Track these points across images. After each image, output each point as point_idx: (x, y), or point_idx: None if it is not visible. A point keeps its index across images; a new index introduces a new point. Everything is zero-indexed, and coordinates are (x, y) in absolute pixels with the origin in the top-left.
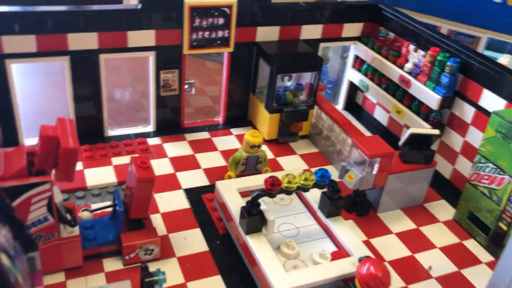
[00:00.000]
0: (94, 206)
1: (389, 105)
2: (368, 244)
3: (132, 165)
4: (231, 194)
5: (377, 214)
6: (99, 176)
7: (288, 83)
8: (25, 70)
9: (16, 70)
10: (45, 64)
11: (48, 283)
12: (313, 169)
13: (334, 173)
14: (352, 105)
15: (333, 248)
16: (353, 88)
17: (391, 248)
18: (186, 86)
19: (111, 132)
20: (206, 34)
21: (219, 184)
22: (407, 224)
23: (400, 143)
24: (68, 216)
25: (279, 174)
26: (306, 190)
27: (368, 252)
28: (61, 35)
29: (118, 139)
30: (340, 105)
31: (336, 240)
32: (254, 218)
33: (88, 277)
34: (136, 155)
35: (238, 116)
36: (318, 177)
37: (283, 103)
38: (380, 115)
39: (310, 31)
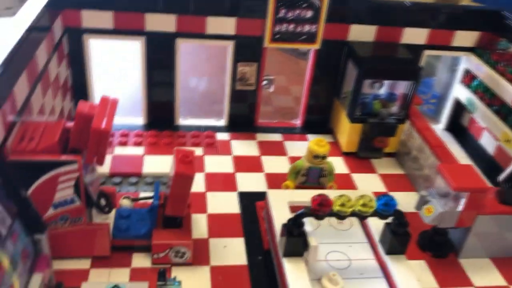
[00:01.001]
0: (142, 195)
1: (498, 131)
2: None
3: (174, 157)
4: (280, 206)
5: (458, 259)
6: (157, 164)
7: (379, 91)
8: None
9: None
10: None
11: (72, 267)
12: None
13: (414, 200)
14: (456, 126)
15: None
16: (459, 107)
17: None
18: (264, 82)
19: (182, 121)
20: (291, 27)
21: (270, 193)
22: (495, 278)
23: (500, 178)
24: (103, 202)
25: (338, 194)
26: (363, 218)
27: None
28: (139, 14)
29: (187, 129)
30: (441, 125)
31: (392, 283)
32: (294, 239)
33: (113, 269)
34: (199, 148)
35: (319, 121)
36: (381, 204)
37: (368, 113)
38: (487, 142)
39: (413, 35)
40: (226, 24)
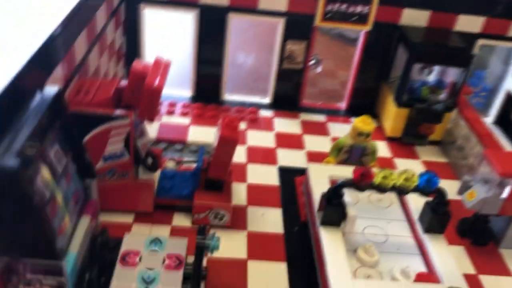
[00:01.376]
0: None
1: None
2: (473, 280)
3: (220, 123)
4: (321, 179)
5: (498, 249)
6: (201, 134)
7: (428, 78)
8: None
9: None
10: None
11: (116, 220)
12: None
13: (455, 189)
14: (506, 121)
15: (423, 269)
16: (510, 100)
17: None
18: (312, 62)
19: (228, 96)
20: (343, 6)
21: (311, 167)
22: None
23: None
24: (150, 160)
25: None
26: (404, 192)
27: (464, 286)
28: None
29: (232, 104)
30: (490, 118)
31: (428, 260)
32: (333, 208)
33: (154, 226)
34: (242, 123)
35: (364, 105)
36: (423, 181)
37: (416, 99)
38: None
39: (468, 23)
40: (278, 0)
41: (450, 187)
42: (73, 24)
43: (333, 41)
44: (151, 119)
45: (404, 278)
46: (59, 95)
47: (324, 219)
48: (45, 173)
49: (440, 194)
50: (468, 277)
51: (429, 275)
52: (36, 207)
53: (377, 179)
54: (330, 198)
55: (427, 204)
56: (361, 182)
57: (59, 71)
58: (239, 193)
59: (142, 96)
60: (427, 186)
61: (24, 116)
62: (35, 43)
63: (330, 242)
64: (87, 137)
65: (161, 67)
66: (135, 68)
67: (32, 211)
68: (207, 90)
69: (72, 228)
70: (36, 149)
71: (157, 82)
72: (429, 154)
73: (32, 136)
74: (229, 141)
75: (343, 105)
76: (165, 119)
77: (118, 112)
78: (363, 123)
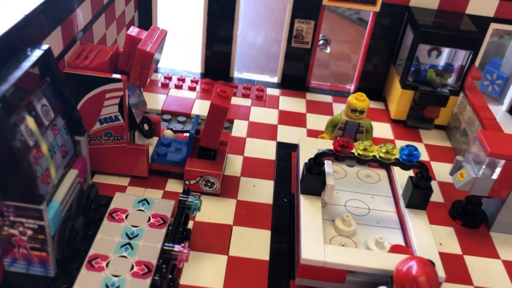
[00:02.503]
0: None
1: None
2: (459, 260)
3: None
4: (309, 151)
5: (489, 231)
6: (206, 107)
7: (437, 61)
8: None
9: None
10: None
11: (112, 182)
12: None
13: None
14: None
15: (400, 242)
16: None
17: (489, 275)
18: (320, 42)
19: (237, 74)
20: None
21: (302, 140)
22: None
23: None
24: (146, 127)
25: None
26: (385, 165)
27: (437, 260)
28: None
29: (240, 81)
30: (504, 106)
31: (407, 235)
32: (312, 177)
33: (147, 189)
34: (248, 99)
35: (372, 88)
36: (404, 154)
37: (420, 80)
38: None
39: (480, 6)
40: None
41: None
42: None
43: (351, 26)
44: (143, 85)
45: (378, 248)
46: (48, 53)
47: (304, 187)
48: (30, 122)
49: (422, 169)
50: (453, 257)
51: (404, 248)
52: (18, 152)
53: (357, 151)
54: (310, 167)
55: (410, 178)
56: (341, 153)
57: (58, 34)
58: (234, 164)
59: (135, 59)
60: (408, 160)
61: (11, 68)
62: (31, 4)
63: (307, 209)
64: (83, 100)
65: (156, 34)
66: (130, 33)
67: (14, 155)
68: (217, 67)
69: (57, 179)
70: (21, 99)
71: (149, 47)
72: (433, 138)
73: (17, 87)
74: (219, 110)
75: (351, 87)
76: (173, 92)
77: (110, 75)
78: (357, 99)
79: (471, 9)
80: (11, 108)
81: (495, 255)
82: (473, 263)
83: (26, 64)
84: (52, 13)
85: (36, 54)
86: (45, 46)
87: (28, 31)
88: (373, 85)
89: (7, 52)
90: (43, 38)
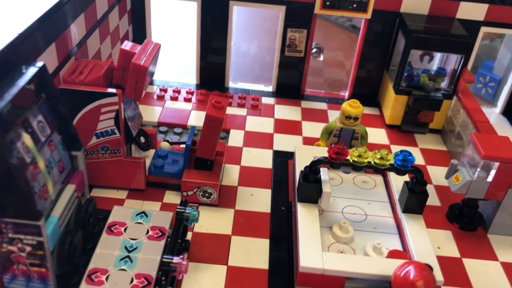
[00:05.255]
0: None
1: None
2: (457, 263)
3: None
4: (305, 159)
5: (487, 233)
6: (202, 118)
7: (429, 66)
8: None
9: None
10: None
11: (109, 196)
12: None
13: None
14: None
15: (398, 248)
16: None
17: (488, 278)
18: (313, 50)
19: (232, 84)
20: None
21: (298, 148)
22: None
23: None
24: (142, 139)
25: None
26: (380, 171)
27: (435, 264)
28: None
29: (236, 91)
30: (498, 108)
31: (404, 240)
32: (309, 185)
33: (145, 201)
34: (244, 109)
35: (367, 94)
36: (398, 160)
37: (413, 85)
38: None
39: (470, 10)
40: None
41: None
42: (70, 5)
43: (345, 33)
44: (138, 98)
45: (376, 255)
46: (43, 70)
47: (301, 195)
48: (26, 139)
49: (417, 174)
50: (451, 260)
51: (402, 253)
52: (16, 169)
53: (351, 157)
54: (306, 175)
55: (405, 183)
56: (336, 160)
57: (52, 50)
58: (231, 174)
59: (129, 73)
60: (402, 165)
61: (6, 86)
62: (24, 23)
63: (305, 217)
64: (79, 115)
65: (149, 48)
66: (124, 48)
67: (11, 172)
68: (211, 77)
69: (55, 194)
70: (18, 116)
71: (143, 61)
72: (428, 142)
73: (13, 105)
74: (214, 120)
75: (346, 94)
76: (169, 104)
77: (105, 89)
78: (350, 106)
79: (461, 14)
80: (8, 126)
81: (494, 257)
82: (472, 265)
83: (22, 81)
84: (47, 29)
85: (31, 71)
86: (39, 63)
87: (23, 48)
88: (367, 91)
89: (2, 70)
90: (38, 55)
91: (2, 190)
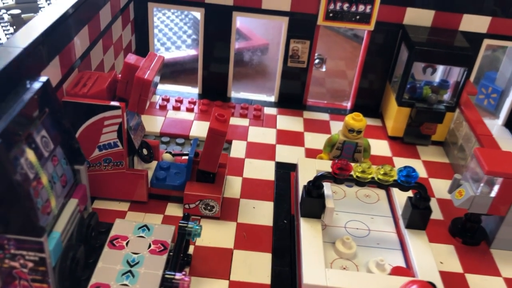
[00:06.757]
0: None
1: None
2: (460, 278)
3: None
4: (308, 173)
5: (490, 248)
6: (204, 129)
7: (432, 78)
8: None
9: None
10: None
11: (112, 208)
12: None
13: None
14: None
15: (401, 264)
16: None
17: None
18: (316, 61)
19: (234, 94)
20: (345, 6)
21: (300, 161)
22: None
23: None
24: (145, 151)
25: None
26: (383, 187)
27: (438, 281)
28: None
29: (238, 101)
30: (500, 120)
31: (408, 256)
32: (312, 200)
33: (147, 214)
34: (246, 119)
35: (369, 105)
36: (402, 175)
37: (416, 98)
38: None
39: (473, 23)
40: (281, 0)
41: (448, 186)
42: (74, 18)
43: (348, 42)
44: (141, 111)
45: (379, 271)
46: (47, 84)
47: (304, 210)
48: (30, 155)
49: (420, 189)
50: (454, 275)
51: (405, 269)
52: (19, 185)
53: (355, 173)
54: (309, 190)
55: (408, 199)
56: (339, 175)
57: (56, 63)
58: (233, 186)
59: (133, 86)
60: (406, 181)
61: (10, 102)
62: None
63: (308, 232)
64: (82, 127)
65: (153, 61)
66: (128, 60)
67: (15, 189)
68: (214, 87)
69: (58, 209)
70: (21, 132)
71: (147, 74)
72: (430, 154)
73: (17, 120)
74: (217, 134)
75: (348, 104)
76: (171, 114)
77: (110, 102)
78: (354, 120)
79: (464, 26)
80: (11, 142)
81: (496, 273)
82: (475, 281)
83: (26, 97)
84: (51, 43)
85: (35, 86)
86: (43, 78)
87: (27, 63)
88: (370, 102)
89: (7, 85)
90: (42, 69)
91: (5, 206)
